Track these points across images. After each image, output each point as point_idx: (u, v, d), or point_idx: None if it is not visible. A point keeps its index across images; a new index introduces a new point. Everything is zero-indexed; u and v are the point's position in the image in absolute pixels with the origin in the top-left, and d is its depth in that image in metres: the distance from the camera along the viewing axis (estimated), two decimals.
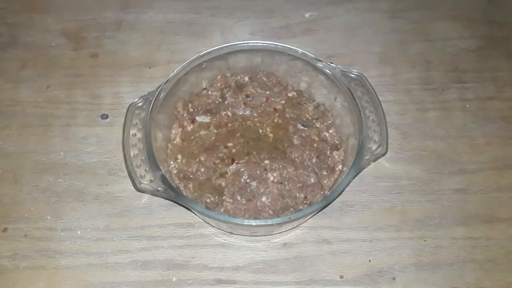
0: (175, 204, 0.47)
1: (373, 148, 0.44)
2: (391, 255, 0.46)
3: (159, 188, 0.42)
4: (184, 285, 0.45)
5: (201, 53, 0.48)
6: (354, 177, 0.42)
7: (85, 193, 0.49)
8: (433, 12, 0.61)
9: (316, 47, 0.57)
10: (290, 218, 0.41)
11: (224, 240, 0.47)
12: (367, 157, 0.43)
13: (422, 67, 0.57)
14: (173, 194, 0.42)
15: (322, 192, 0.46)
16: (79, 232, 0.47)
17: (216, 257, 0.46)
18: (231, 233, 0.47)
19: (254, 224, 0.41)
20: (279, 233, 0.47)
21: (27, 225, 0.47)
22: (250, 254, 0.46)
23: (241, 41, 0.49)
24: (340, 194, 0.42)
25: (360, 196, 0.49)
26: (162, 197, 0.44)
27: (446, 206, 0.49)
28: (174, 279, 0.45)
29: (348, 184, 0.42)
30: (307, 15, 0.61)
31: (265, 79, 0.52)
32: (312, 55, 0.48)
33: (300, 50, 0.48)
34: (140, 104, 0.46)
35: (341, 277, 0.45)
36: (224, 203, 0.45)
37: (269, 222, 0.41)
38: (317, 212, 0.46)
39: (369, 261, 0.46)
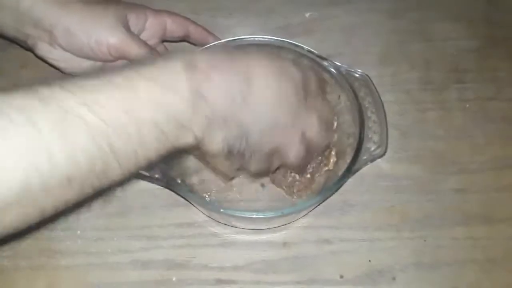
0: (175, 204, 0.48)
1: (372, 148, 0.44)
2: (391, 255, 0.46)
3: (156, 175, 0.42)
4: (184, 285, 0.45)
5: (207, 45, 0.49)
6: (349, 177, 0.42)
7: None
8: (433, 12, 0.61)
9: (316, 47, 0.56)
10: (282, 212, 0.41)
11: (224, 240, 0.47)
12: (365, 157, 0.43)
13: (422, 67, 0.57)
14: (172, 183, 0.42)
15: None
16: (79, 232, 0.47)
17: (216, 257, 0.46)
18: (226, 224, 0.47)
19: (241, 215, 0.41)
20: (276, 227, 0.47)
21: None
22: (250, 254, 0.46)
23: (248, 36, 0.49)
24: (333, 193, 0.43)
25: (360, 196, 0.49)
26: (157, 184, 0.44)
27: (446, 206, 0.49)
28: (174, 279, 0.45)
29: (344, 183, 0.42)
30: (307, 15, 0.61)
31: None
32: (318, 53, 0.48)
33: (306, 47, 0.48)
34: None
35: (341, 276, 0.45)
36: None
37: (254, 215, 0.41)
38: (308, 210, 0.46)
39: (369, 261, 0.46)
